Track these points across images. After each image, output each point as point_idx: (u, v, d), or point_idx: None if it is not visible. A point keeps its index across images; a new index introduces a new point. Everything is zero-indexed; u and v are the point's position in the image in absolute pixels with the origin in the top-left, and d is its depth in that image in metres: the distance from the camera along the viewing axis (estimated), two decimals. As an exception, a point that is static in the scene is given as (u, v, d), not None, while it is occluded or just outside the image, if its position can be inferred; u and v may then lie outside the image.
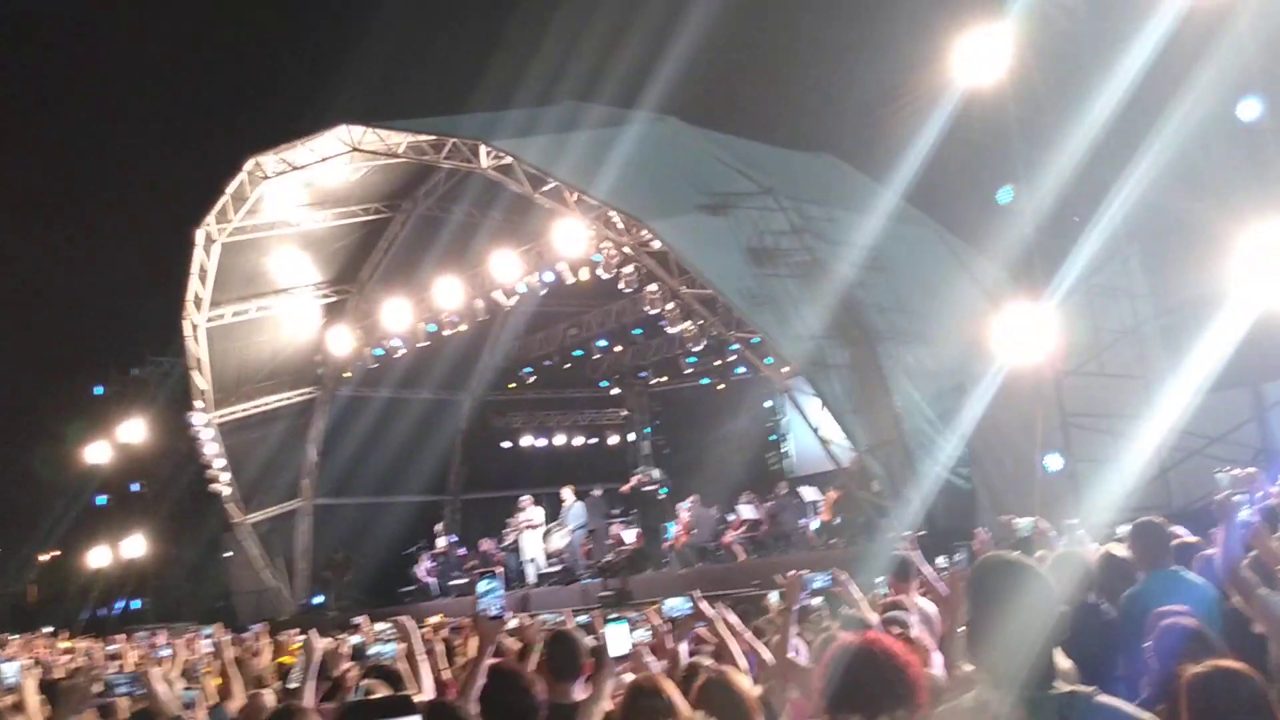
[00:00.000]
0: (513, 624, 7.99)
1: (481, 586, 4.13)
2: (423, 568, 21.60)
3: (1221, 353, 10.83)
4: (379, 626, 7.34)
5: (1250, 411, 12.15)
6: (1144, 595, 5.04)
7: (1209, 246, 10.98)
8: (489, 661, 3.85)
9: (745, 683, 4.03)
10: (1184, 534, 6.02)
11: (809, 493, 18.10)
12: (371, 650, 6.44)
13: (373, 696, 4.10)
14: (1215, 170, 11.66)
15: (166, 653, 9.90)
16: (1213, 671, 3.15)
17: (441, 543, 21.73)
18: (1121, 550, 5.98)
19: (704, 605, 5.00)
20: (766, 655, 4.83)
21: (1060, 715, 2.42)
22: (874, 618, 5.42)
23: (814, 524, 17.14)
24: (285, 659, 8.64)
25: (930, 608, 6.08)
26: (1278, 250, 10.30)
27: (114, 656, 10.00)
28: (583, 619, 7.97)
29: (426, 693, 4.47)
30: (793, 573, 5.08)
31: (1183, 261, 11.95)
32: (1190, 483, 11.69)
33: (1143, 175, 11.34)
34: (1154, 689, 3.77)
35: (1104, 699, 2.50)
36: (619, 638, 4.36)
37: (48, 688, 7.03)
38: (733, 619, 5.10)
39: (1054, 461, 12.85)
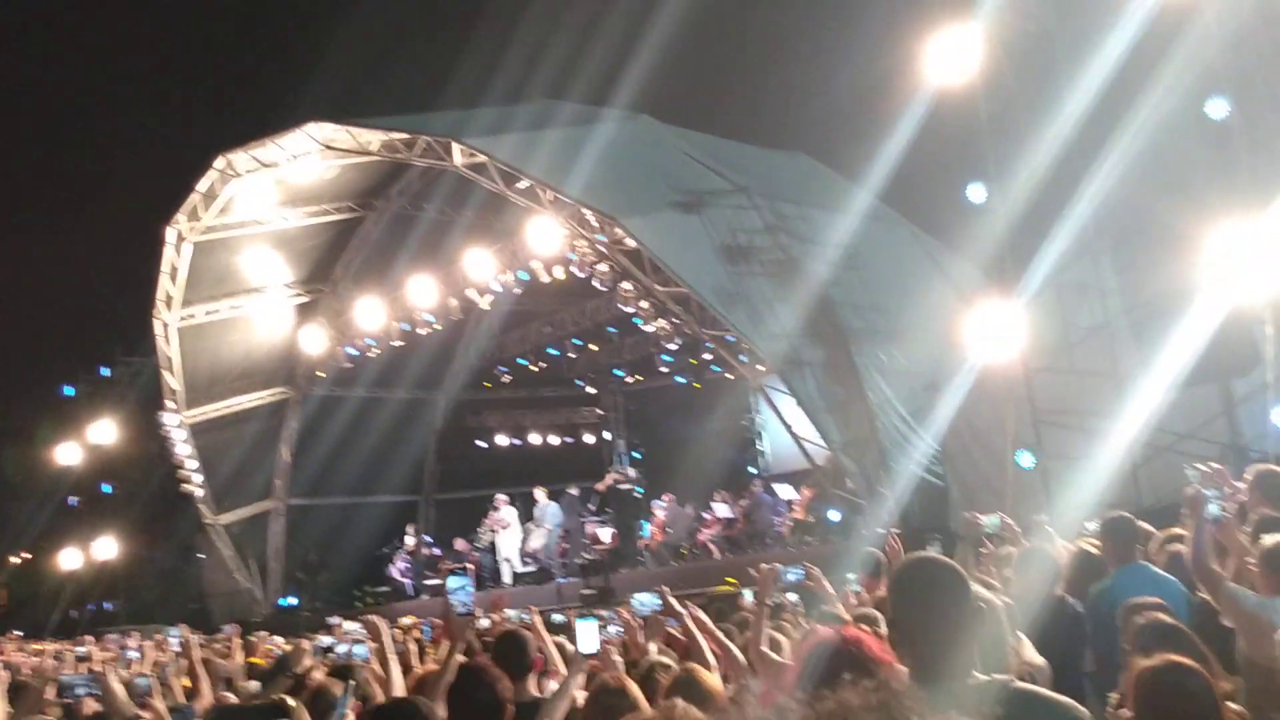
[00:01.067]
0: (484, 623, 7.95)
1: (451, 583, 4.14)
2: (396, 568, 21.52)
3: (1191, 349, 10.92)
4: (349, 626, 7.31)
5: (1219, 407, 12.25)
6: (1112, 590, 5.07)
7: (1178, 244, 11.07)
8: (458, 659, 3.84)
9: (713, 681, 4.02)
10: (1152, 530, 6.07)
11: (784, 491, 18.16)
12: (340, 649, 6.40)
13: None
14: (1184, 168, 11.75)
15: (136, 654, 9.82)
16: (1161, 665, 3.19)
17: (411, 542, 21.65)
18: (1092, 547, 6.02)
19: (672, 601, 4.98)
20: (737, 654, 4.82)
21: (977, 703, 2.47)
22: (846, 614, 5.43)
23: (789, 522, 17.20)
24: (256, 660, 8.57)
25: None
26: (1246, 247, 10.39)
27: (83, 659, 9.88)
28: (558, 617, 7.95)
29: (397, 691, 4.45)
30: (766, 565, 5.09)
31: (1152, 258, 12.04)
32: (1160, 480, 11.78)
33: (1112, 173, 11.42)
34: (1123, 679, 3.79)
35: (1020, 685, 2.61)
36: (588, 635, 4.36)
37: (16, 689, 6.97)
38: (702, 616, 5.09)
39: (1025, 458, 12.93)
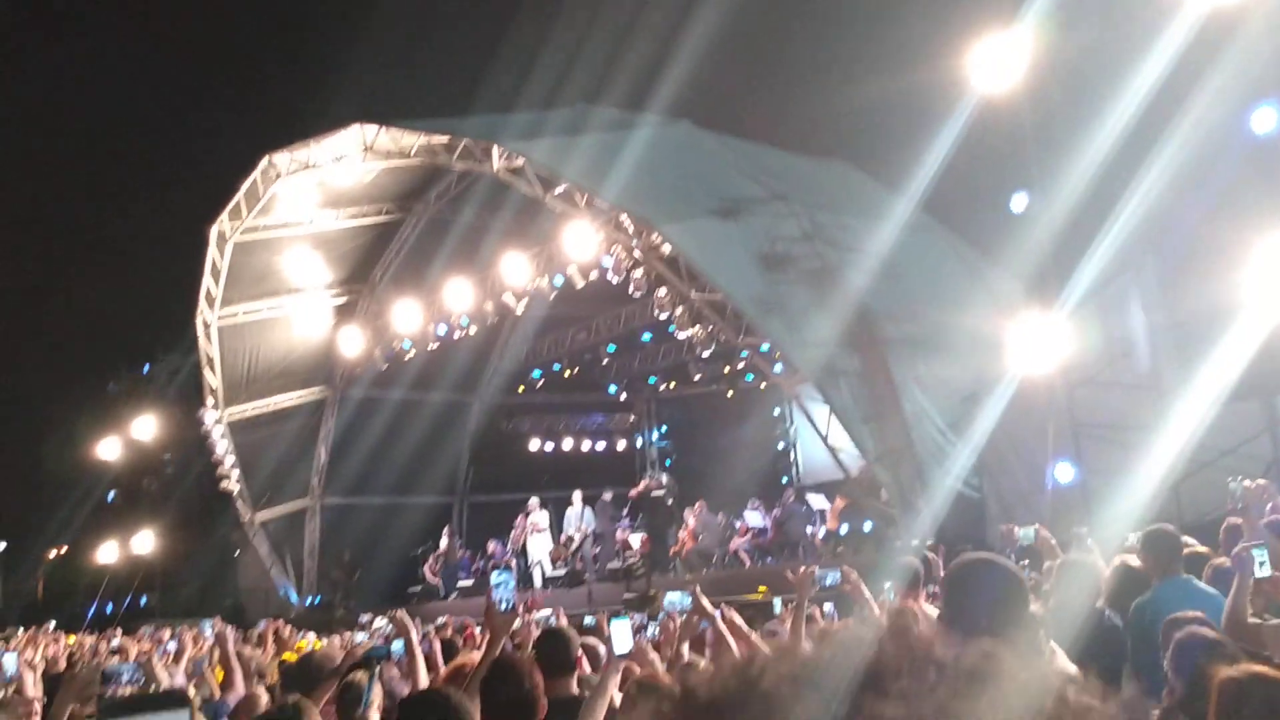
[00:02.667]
0: (515, 624, 7.95)
1: (495, 579, 4.15)
2: (430, 568, 21.63)
3: (1235, 365, 10.75)
4: (377, 622, 7.36)
5: (1263, 424, 12.07)
6: (1154, 603, 4.99)
7: (1222, 257, 10.91)
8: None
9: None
10: (1194, 544, 5.97)
11: (817, 500, 18.06)
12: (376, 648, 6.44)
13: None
14: (1229, 180, 11.59)
15: (173, 646, 9.94)
16: (1247, 676, 3.12)
17: (445, 544, 21.76)
18: (1136, 561, 5.93)
19: (703, 600, 4.96)
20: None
21: None
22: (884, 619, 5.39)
23: (821, 532, 17.10)
24: (288, 655, 8.63)
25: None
26: (1292, 262, 10.23)
27: (117, 651, 10.01)
28: (589, 620, 7.95)
29: (422, 684, 4.46)
30: (804, 568, 5.06)
31: (1196, 272, 11.88)
32: (1201, 496, 11.60)
33: (1156, 185, 11.28)
34: (1180, 692, 3.72)
35: None
36: (622, 634, 4.35)
37: (51, 681, 7.05)
38: (735, 618, 5.06)
39: (1064, 472, 12.79)
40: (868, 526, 15.00)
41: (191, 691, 5.75)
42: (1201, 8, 10.84)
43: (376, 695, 3.00)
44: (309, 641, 10.40)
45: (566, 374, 24.11)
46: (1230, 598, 4.42)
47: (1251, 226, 10.69)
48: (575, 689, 4.23)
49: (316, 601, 22.47)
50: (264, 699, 5.58)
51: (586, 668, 4.84)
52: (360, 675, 4.44)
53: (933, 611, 6.12)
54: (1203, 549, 5.76)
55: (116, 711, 2.05)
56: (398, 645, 5.54)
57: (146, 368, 30.86)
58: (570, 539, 19.56)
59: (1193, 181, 11.32)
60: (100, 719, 1.99)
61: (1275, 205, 11.02)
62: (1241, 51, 10.91)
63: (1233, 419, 11.66)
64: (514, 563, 19.76)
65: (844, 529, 16.10)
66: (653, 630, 5.45)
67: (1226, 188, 11.58)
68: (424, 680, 4.54)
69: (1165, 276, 12.99)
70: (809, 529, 17.51)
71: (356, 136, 17.05)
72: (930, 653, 0.62)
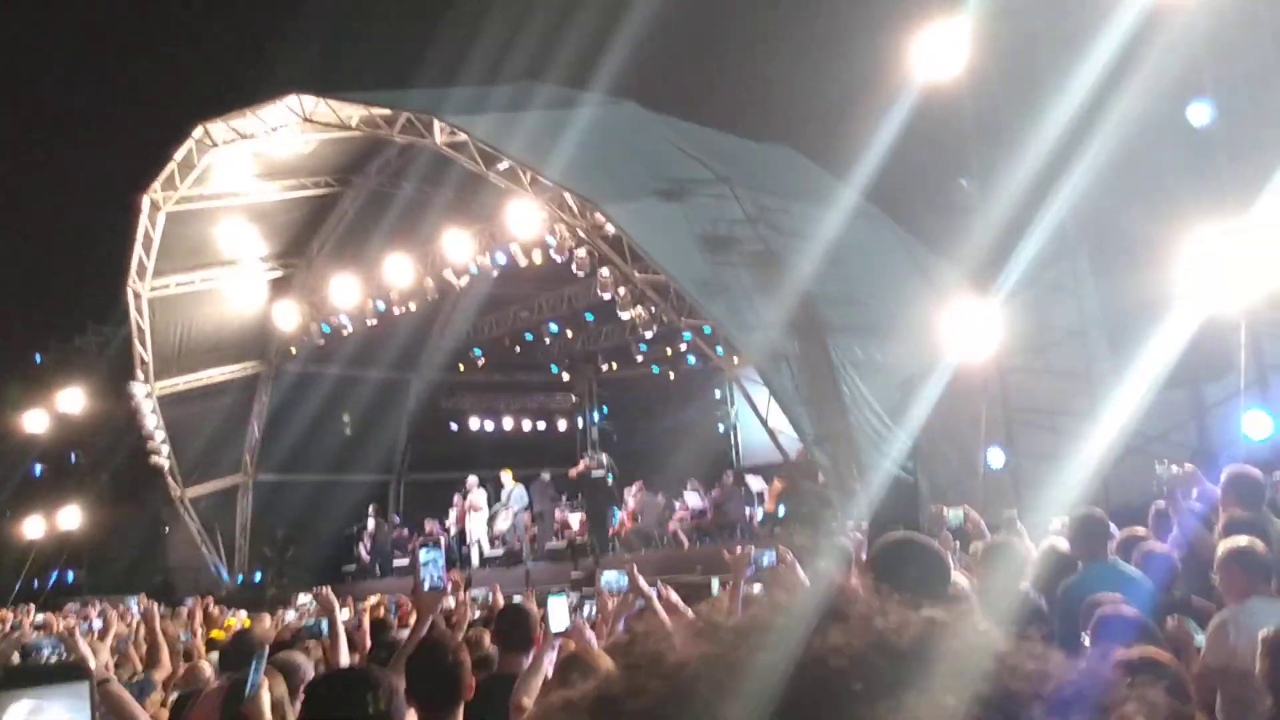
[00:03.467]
0: (449, 602, 7.90)
1: (423, 556, 4.09)
2: (364, 547, 21.45)
3: (1166, 355, 10.96)
4: (301, 599, 7.27)
5: (1189, 412, 12.33)
6: (1081, 585, 5.06)
7: (1156, 248, 11.10)
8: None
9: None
10: (1115, 531, 6.08)
11: (755, 482, 18.18)
12: (307, 624, 6.36)
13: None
14: (1164, 173, 11.79)
15: (99, 623, 9.74)
16: (1139, 659, 3.16)
17: (372, 524, 21.61)
18: (1063, 544, 6.03)
19: (639, 579, 4.94)
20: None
21: None
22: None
23: (759, 513, 17.22)
24: (216, 634, 8.49)
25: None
26: (1222, 255, 10.44)
27: (40, 627, 9.79)
28: (516, 598, 7.92)
29: (343, 661, 4.42)
30: (740, 549, 5.06)
31: (1130, 263, 12.08)
32: (1128, 480, 11.82)
33: (1091, 175, 11.45)
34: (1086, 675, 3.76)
35: None
36: (559, 612, 4.32)
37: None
38: (673, 597, 5.06)
39: (996, 457, 12.99)
40: (805, 509, 15.12)
41: (115, 669, 5.62)
42: (1142, 1, 11.00)
43: (263, 682, 2.92)
44: (238, 619, 10.25)
45: (508, 353, 23.98)
46: (1179, 522, 4.42)
47: (1185, 219, 10.89)
48: (525, 666, 4.22)
49: (255, 580, 22.17)
50: (207, 670, 5.50)
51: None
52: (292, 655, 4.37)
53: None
54: (1141, 531, 5.87)
55: (15, 681, 1.95)
56: (324, 623, 5.47)
57: (76, 340, 30.10)
58: (501, 534, 19.45)
59: (1128, 173, 11.50)
60: None
61: (1208, 198, 11.23)
62: (1179, 44, 11.09)
63: (1161, 406, 11.89)
64: (442, 540, 19.64)
65: (781, 511, 16.23)
66: (590, 610, 5.44)
67: (1161, 180, 11.78)
68: (344, 659, 4.48)
69: (1099, 266, 13.20)
70: (747, 510, 17.63)
71: (295, 107, 16.73)
72: (873, 624, 0.61)
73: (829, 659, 0.57)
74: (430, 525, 20.57)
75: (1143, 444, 11.66)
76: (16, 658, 3.75)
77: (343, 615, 5.68)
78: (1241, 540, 4.68)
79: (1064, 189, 11.88)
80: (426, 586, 3.99)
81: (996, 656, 0.58)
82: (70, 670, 1.88)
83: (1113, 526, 6.19)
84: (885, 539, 2.96)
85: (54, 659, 4.85)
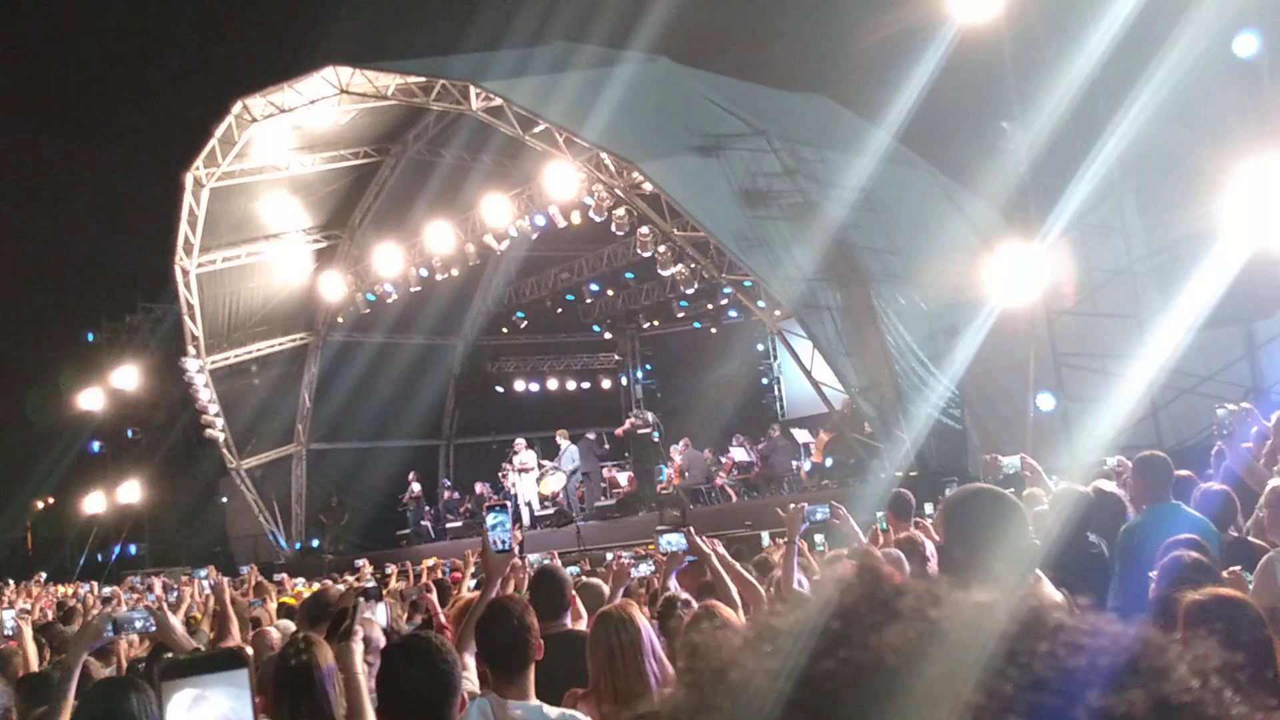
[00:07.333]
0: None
1: (490, 519, 4.10)
2: (425, 510, 21.82)
3: (1214, 292, 10.84)
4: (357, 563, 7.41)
5: (1241, 350, 12.20)
6: (1142, 528, 5.07)
7: (1203, 184, 10.95)
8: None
9: (734, 617, 4.06)
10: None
11: (801, 435, 18.22)
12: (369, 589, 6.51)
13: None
14: (1210, 107, 11.58)
15: (162, 593, 10.02)
16: (1211, 599, 3.16)
17: (417, 488, 21.92)
18: (1109, 485, 6.03)
19: (698, 540, 5.01)
20: (761, 592, 4.87)
21: None
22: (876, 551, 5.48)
23: (806, 465, 17.28)
24: (287, 599, 8.72)
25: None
26: (1271, 188, 10.28)
27: (107, 600, 10.06)
28: (573, 569, 8.07)
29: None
30: (794, 505, 5.12)
31: (1177, 200, 11.92)
32: (1181, 421, 11.77)
33: (1138, 113, 11.26)
34: (1152, 613, 3.79)
35: None
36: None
37: (42, 630, 7.12)
38: (720, 550, 5.12)
39: (1045, 401, 12.93)
40: (852, 459, 15.16)
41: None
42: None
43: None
44: (300, 588, 10.47)
45: (550, 314, 24.07)
46: (1232, 451, 4.41)
47: (1232, 152, 10.72)
48: (570, 625, 4.31)
49: (312, 546, 22.63)
50: (274, 636, 5.66)
51: (582, 609, 4.91)
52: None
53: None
54: (1185, 474, 5.85)
55: (177, 672, 2.04)
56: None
57: (128, 318, 30.61)
58: (552, 494, 19.62)
59: (1174, 108, 11.31)
60: (162, 681, 1.96)
61: (1256, 130, 11.03)
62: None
63: (1211, 345, 11.78)
64: (509, 505, 19.86)
65: (829, 462, 16.27)
66: (647, 568, 5.53)
67: (1208, 114, 11.58)
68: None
69: (1144, 203, 13.03)
70: (794, 463, 17.69)
71: (331, 78, 16.80)
72: (926, 615, 0.60)
73: (885, 659, 0.58)
74: (480, 488, 20.82)
75: (1195, 384, 11.57)
76: (110, 631, 3.88)
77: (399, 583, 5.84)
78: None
79: (1109, 127, 11.71)
80: (496, 549, 4.06)
81: (1051, 633, 0.60)
82: (229, 658, 1.97)
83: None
84: (960, 491, 2.90)
85: (143, 635, 5.00)
